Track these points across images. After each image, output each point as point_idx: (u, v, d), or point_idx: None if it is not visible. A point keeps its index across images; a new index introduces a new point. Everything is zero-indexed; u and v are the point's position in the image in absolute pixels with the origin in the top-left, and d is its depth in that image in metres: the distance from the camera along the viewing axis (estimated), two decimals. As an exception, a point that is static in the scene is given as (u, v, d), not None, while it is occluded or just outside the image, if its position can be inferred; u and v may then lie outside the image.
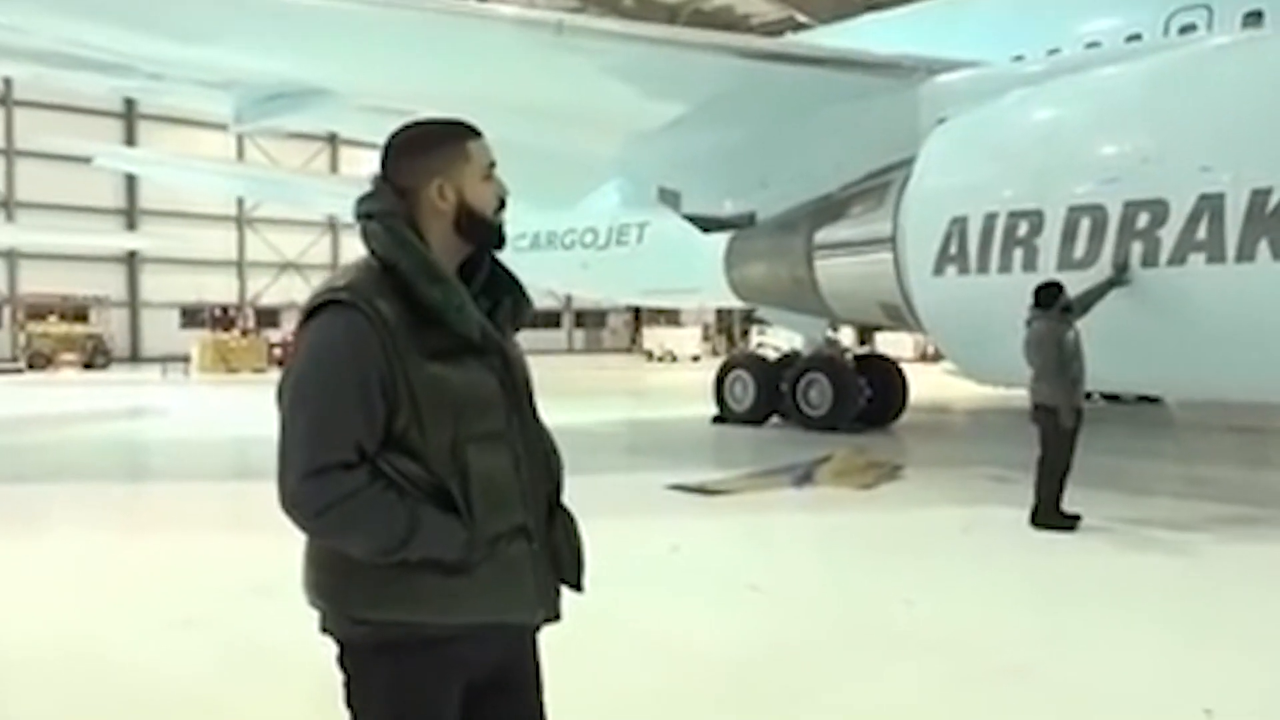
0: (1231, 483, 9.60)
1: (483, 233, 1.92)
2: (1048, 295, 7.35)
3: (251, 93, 12.80)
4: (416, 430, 1.77)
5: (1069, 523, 7.14)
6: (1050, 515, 7.17)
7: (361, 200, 1.90)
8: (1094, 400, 14.76)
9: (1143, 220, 8.00)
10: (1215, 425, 14.23)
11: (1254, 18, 10.48)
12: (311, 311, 1.80)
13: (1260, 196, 7.35)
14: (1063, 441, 7.21)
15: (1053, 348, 7.17)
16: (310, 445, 1.73)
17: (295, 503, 1.73)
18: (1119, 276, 7.95)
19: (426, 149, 1.90)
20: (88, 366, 30.70)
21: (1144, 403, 15.94)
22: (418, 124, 1.93)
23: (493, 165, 1.95)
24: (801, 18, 33.39)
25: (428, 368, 1.78)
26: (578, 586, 2.02)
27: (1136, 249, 8.01)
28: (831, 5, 32.08)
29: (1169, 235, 7.82)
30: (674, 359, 36.75)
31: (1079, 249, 8.34)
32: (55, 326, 32.03)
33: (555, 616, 1.97)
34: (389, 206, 1.87)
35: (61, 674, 4.39)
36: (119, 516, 8.29)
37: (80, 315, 33.24)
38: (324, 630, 1.86)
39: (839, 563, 6.63)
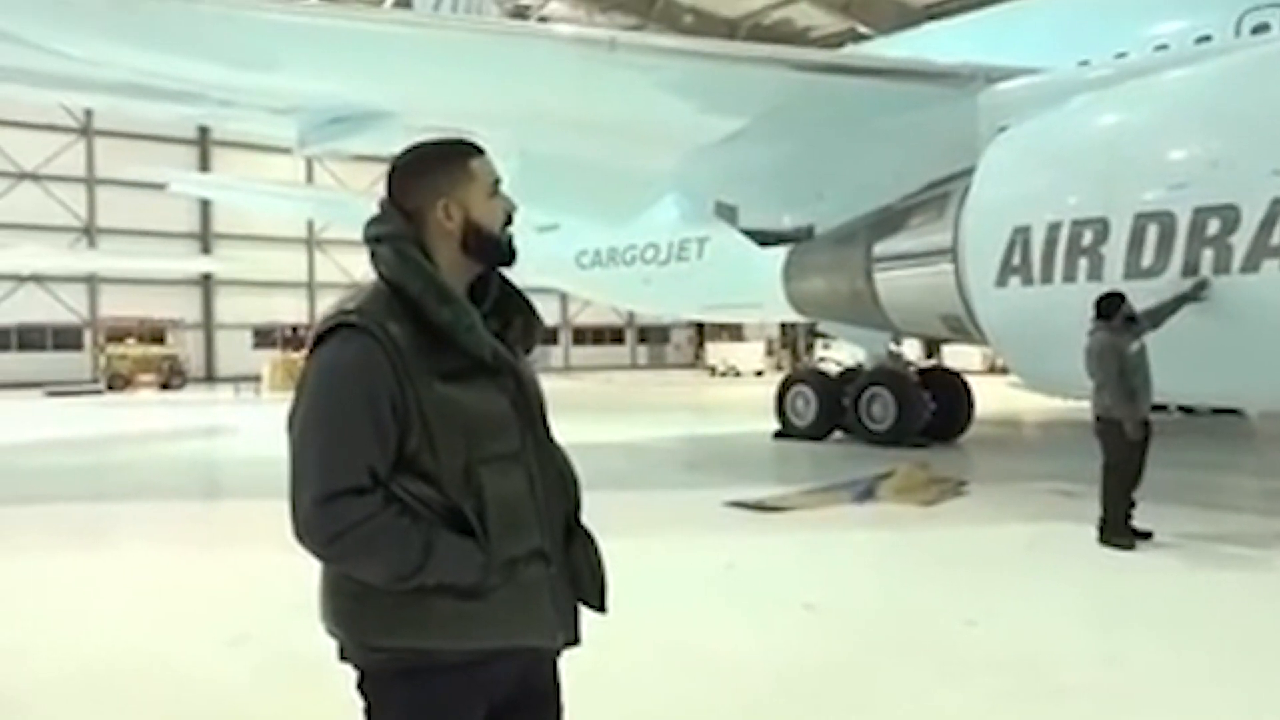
0: (1314, 497, 9.23)
1: (490, 250, 1.90)
2: (1109, 305, 7.15)
3: (314, 117, 13.07)
4: (429, 453, 1.75)
5: (1138, 539, 6.91)
6: (1118, 531, 6.95)
7: (370, 223, 1.89)
8: (1169, 413, 14.35)
9: (1213, 227, 7.76)
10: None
11: (1331, 16, 10.13)
12: (321, 335, 1.79)
13: (1337, 201, 7.08)
14: (1128, 455, 6.98)
15: (1113, 359, 6.95)
16: (322, 470, 1.72)
17: (308, 529, 1.72)
18: (1194, 292, 7.68)
19: (430, 169, 1.89)
20: (164, 387, 31.46)
21: (1223, 415, 15.42)
22: (421, 145, 1.92)
23: (498, 182, 1.92)
24: (862, 29, 33.13)
25: (439, 389, 1.75)
26: (600, 608, 1.98)
27: (1207, 256, 7.77)
28: (893, 15, 31.87)
29: (1241, 242, 7.59)
30: (737, 374, 36.55)
31: (1146, 257, 8.12)
32: (133, 348, 32.85)
33: (575, 640, 1.93)
34: (396, 229, 1.86)
35: (125, 690, 4.47)
36: (190, 534, 8.44)
37: (157, 337, 34.06)
38: (342, 658, 1.84)
39: (898, 581, 6.49)
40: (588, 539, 1.99)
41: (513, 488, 1.82)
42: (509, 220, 1.93)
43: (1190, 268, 7.82)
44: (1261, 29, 10.51)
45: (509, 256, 1.93)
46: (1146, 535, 6.97)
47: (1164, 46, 11.04)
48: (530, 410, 1.90)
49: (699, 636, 5.13)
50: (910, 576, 6.57)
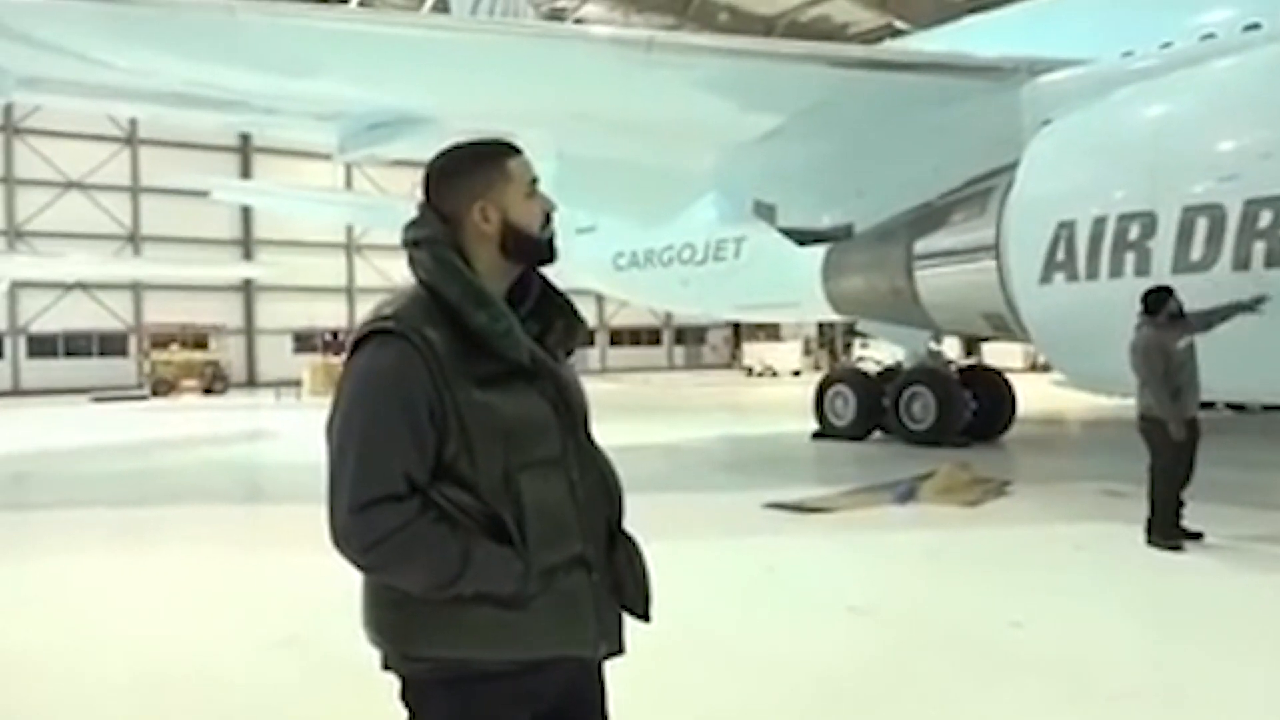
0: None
1: (529, 251, 1.87)
2: (1156, 300, 6.96)
3: (354, 123, 13.18)
4: (466, 459, 1.73)
5: (1186, 540, 6.76)
6: (1166, 532, 6.79)
7: (407, 227, 1.87)
8: (1218, 409, 14.06)
9: (1265, 219, 7.59)
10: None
11: (1387, 1, 9.86)
12: (358, 341, 1.77)
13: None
14: (1174, 454, 6.81)
15: (1158, 356, 6.76)
16: (358, 478, 1.69)
17: (345, 537, 1.69)
18: (1251, 303, 7.42)
19: (466, 172, 1.86)
20: (207, 392, 31.90)
21: (1274, 412, 15.08)
22: (456, 147, 1.89)
23: (535, 182, 1.89)
24: (900, 24, 32.88)
25: (476, 395, 1.73)
26: (645, 617, 1.94)
27: (1259, 249, 7.61)
28: (931, 10, 31.52)
29: (1295, 234, 7.40)
30: (774, 374, 36.38)
31: (1196, 251, 7.97)
32: (177, 354, 33.34)
33: (619, 650, 1.89)
34: (434, 233, 1.83)
35: (178, 692, 4.50)
36: (234, 537, 8.50)
37: (200, 343, 34.54)
38: (385, 668, 1.82)
39: (942, 583, 6.38)
40: (631, 546, 1.94)
41: (553, 494, 1.79)
42: (548, 220, 1.90)
43: (1241, 261, 7.65)
44: (1313, 15, 10.25)
45: (550, 256, 1.89)
46: (1197, 536, 6.82)
47: (1211, 35, 10.80)
48: (572, 415, 1.86)
49: (741, 640, 5.09)
50: (954, 578, 6.47)
